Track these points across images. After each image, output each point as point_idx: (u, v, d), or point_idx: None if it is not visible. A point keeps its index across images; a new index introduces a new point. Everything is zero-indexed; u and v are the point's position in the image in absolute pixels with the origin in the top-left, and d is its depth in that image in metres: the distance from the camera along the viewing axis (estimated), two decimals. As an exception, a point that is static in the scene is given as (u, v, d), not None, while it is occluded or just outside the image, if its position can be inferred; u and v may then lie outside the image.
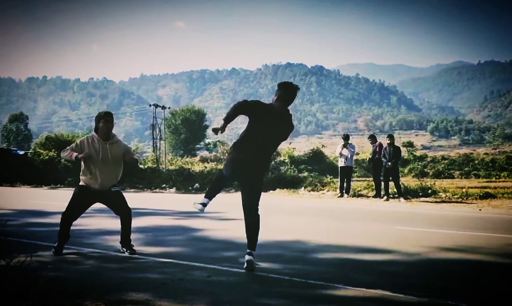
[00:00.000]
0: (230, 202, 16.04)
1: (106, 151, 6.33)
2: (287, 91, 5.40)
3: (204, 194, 5.63)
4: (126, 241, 6.44)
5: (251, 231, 5.48)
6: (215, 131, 5.32)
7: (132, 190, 23.18)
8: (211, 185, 5.67)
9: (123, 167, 6.60)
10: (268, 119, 5.28)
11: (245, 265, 5.36)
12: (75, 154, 6.29)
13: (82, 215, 6.55)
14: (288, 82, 5.51)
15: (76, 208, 6.39)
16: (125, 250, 6.38)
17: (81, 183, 6.42)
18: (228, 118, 5.29)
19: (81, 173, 6.41)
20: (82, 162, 6.36)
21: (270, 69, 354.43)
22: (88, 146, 6.32)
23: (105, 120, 6.39)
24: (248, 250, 5.42)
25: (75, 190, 6.53)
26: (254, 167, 5.39)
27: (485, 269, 5.83)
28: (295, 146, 43.47)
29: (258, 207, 5.49)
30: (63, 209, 6.39)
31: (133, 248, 6.41)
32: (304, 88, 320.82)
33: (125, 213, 6.45)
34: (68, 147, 6.52)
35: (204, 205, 5.52)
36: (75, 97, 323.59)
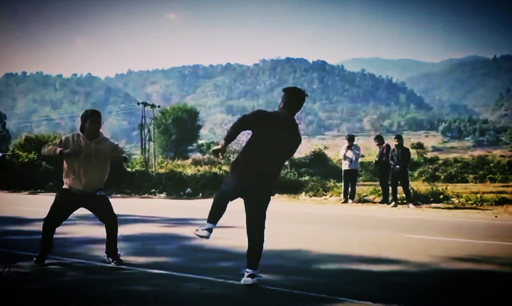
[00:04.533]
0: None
1: (90, 149, 6.28)
2: (295, 97, 5.38)
3: (206, 219, 5.50)
4: (112, 251, 6.42)
5: (256, 253, 5.52)
6: (216, 153, 5.31)
7: (119, 195, 23.14)
8: (213, 207, 5.49)
9: (110, 168, 6.59)
10: (272, 131, 5.23)
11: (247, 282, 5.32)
12: (59, 149, 6.23)
13: (65, 222, 6.54)
14: (296, 87, 5.49)
15: (58, 213, 6.37)
16: (111, 260, 6.36)
17: (64, 186, 6.40)
18: (229, 138, 5.24)
19: (64, 174, 6.39)
20: (64, 162, 6.35)
21: (269, 65, 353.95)
22: (73, 143, 6.28)
23: (92, 119, 6.34)
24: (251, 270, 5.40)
25: (57, 194, 6.52)
26: (260, 185, 5.36)
27: (500, 281, 5.84)
28: (296, 147, 43.51)
29: (264, 225, 5.51)
30: (45, 216, 6.38)
31: (120, 258, 6.40)
32: (305, 85, 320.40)
33: (110, 220, 6.41)
34: (50, 143, 6.51)
35: (210, 230, 5.43)
36: (57, 95, 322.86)
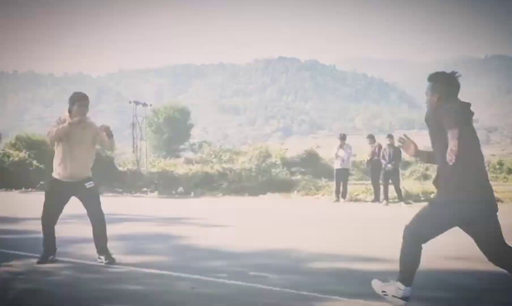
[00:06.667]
0: (215, 207, 16.02)
1: (75, 134, 6.21)
2: (453, 86, 4.53)
3: (398, 279, 4.56)
4: (103, 249, 6.38)
5: None
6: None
7: (111, 194, 23.06)
8: (404, 263, 4.63)
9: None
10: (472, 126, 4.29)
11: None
12: (65, 123, 6.16)
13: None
14: (444, 72, 4.63)
15: (51, 205, 6.31)
16: (103, 258, 6.33)
17: (52, 175, 6.35)
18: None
19: (54, 160, 6.35)
20: (56, 146, 6.29)
21: (261, 64, 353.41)
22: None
23: (80, 103, 6.27)
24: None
25: (46, 187, 6.45)
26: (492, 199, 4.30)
27: (493, 280, 5.85)
28: (287, 146, 43.37)
29: None
30: (36, 215, 6.35)
31: (112, 256, 6.37)
32: (297, 84, 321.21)
33: (98, 216, 6.37)
34: (50, 130, 6.35)
35: (406, 298, 4.42)
36: (48, 94, 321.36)
